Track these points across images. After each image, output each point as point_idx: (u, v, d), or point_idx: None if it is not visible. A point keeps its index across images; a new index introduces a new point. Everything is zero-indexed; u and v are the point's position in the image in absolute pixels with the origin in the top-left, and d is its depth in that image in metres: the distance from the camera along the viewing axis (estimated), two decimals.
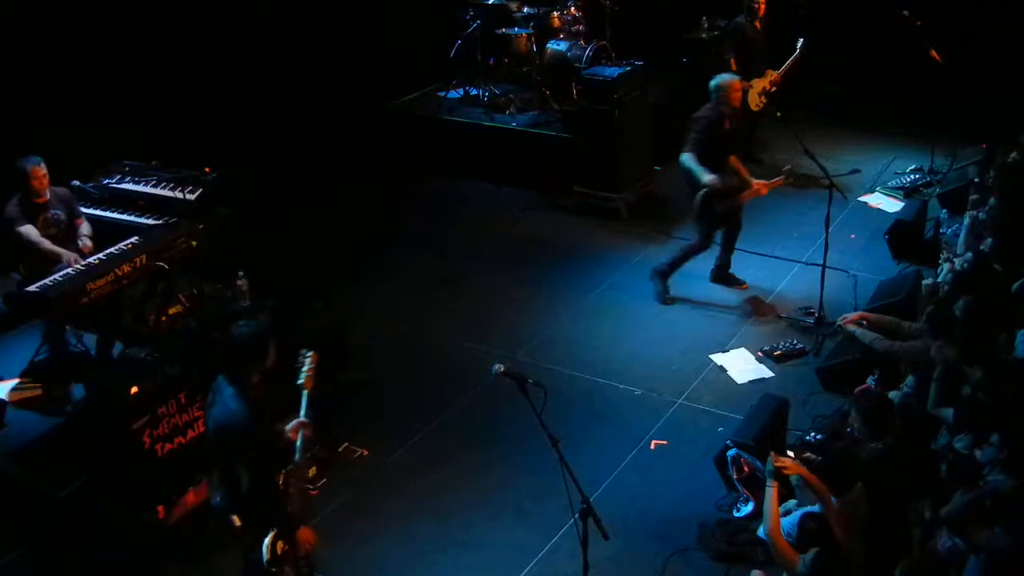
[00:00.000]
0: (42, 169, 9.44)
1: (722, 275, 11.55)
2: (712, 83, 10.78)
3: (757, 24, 13.72)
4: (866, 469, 7.29)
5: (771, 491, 7.18)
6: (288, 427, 6.83)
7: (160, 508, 8.38)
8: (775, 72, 13.54)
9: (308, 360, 7.00)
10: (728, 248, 11.44)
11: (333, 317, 10.33)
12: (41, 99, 11.55)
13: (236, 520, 6.56)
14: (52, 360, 9.63)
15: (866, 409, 7.60)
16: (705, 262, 11.48)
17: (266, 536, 6.51)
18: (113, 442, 8.37)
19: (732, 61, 13.65)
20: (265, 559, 6.48)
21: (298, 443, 6.79)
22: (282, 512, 6.59)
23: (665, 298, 11.34)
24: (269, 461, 6.56)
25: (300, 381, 6.91)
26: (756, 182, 10.99)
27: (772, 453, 7.44)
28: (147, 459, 8.32)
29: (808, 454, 8.38)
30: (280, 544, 6.56)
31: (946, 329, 8.34)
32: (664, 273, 11.41)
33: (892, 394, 8.42)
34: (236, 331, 6.65)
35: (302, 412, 6.85)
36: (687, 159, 10.74)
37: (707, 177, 10.50)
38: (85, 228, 9.84)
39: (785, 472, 7.38)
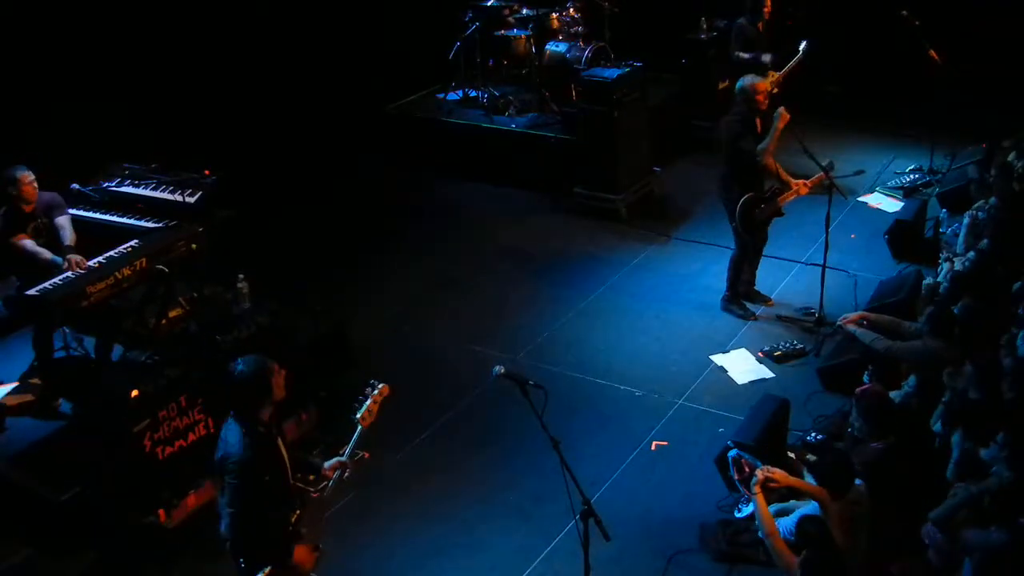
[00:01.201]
0: (30, 177, 9.38)
1: (748, 291, 11.38)
2: (738, 85, 10.68)
3: (760, 26, 13.70)
4: (868, 469, 7.30)
5: (757, 497, 7.22)
6: (327, 465, 6.79)
7: (161, 512, 8.38)
8: (777, 73, 13.52)
9: (375, 393, 6.83)
10: (752, 262, 11.31)
11: (333, 320, 10.33)
12: (39, 102, 11.54)
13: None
14: (40, 366, 9.57)
15: (867, 408, 7.62)
16: (706, 265, 11.43)
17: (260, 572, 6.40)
18: (114, 446, 8.37)
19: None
20: None
21: (331, 483, 6.77)
22: (282, 552, 6.50)
23: (747, 315, 11.18)
24: (271, 502, 6.46)
25: (357, 415, 6.77)
26: (795, 182, 10.85)
27: (760, 467, 7.47)
28: (148, 463, 8.32)
29: (809, 455, 8.39)
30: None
31: (946, 329, 8.34)
32: (730, 298, 11.31)
33: (893, 394, 8.41)
34: (235, 372, 6.44)
35: (348, 449, 6.78)
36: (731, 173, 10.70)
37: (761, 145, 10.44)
38: (64, 220, 9.73)
39: (772, 485, 7.41)
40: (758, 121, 10.65)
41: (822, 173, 10.60)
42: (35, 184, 9.38)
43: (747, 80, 10.61)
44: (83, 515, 8.26)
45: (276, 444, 6.54)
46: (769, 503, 7.44)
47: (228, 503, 6.37)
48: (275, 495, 6.47)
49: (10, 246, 9.30)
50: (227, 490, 6.37)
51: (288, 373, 6.70)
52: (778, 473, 7.42)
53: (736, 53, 13.77)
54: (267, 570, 6.39)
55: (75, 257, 9.22)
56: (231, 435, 6.37)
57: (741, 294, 11.34)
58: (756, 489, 7.29)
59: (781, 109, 10.47)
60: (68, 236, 9.47)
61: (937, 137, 13.98)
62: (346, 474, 6.78)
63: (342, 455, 6.79)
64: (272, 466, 6.45)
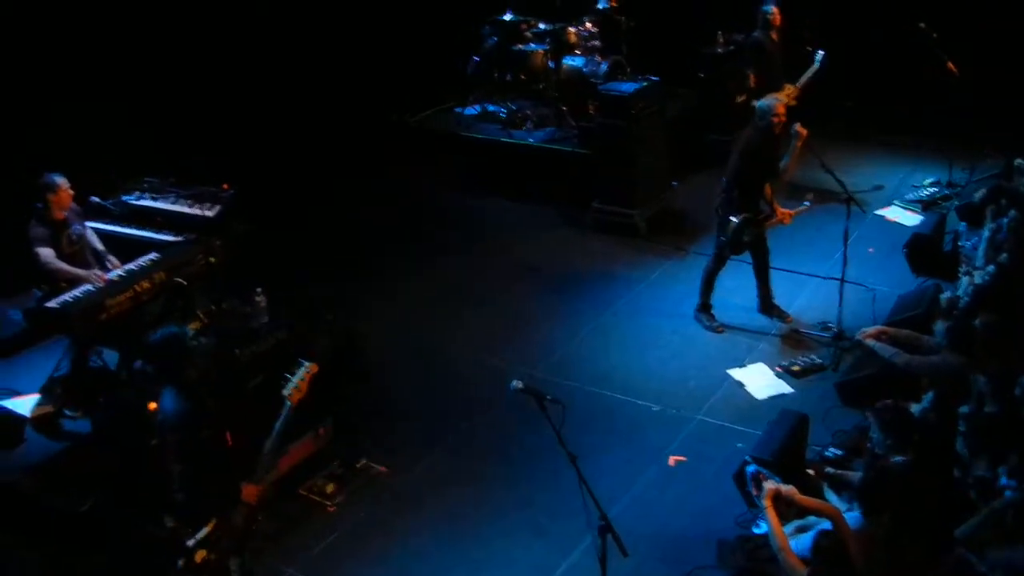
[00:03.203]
0: (67, 184, 9.52)
1: (767, 306, 11.35)
2: (758, 106, 10.67)
3: (774, 35, 13.68)
4: (890, 484, 7.25)
5: (767, 511, 7.18)
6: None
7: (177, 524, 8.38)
8: (794, 86, 13.51)
9: (303, 371, 6.99)
10: (763, 278, 11.27)
11: (349, 332, 10.34)
12: (60, 115, 11.60)
13: (169, 522, 6.76)
14: (72, 379, 9.64)
15: (888, 423, 7.57)
16: (723, 279, 11.39)
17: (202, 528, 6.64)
18: (131, 459, 8.38)
19: (752, 77, 13.66)
20: (191, 542, 6.56)
21: (263, 453, 6.90)
22: (228, 501, 6.75)
23: (715, 327, 11.23)
24: (211, 458, 6.71)
25: (286, 392, 6.91)
26: (781, 210, 10.92)
27: (777, 482, 7.44)
28: (167, 476, 8.32)
29: (829, 469, 8.35)
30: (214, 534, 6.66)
31: (966, 343, 8.30)
32: (702, 306, 11.34)
33: (912, 408, 8.37)
34: (148, 341, 6.99)
35: (277, 423, 6.86)
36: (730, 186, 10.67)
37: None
38: (88, 230, 9.91)
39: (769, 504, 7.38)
40: (773, 147, 10.65)
41: (807, 205, 10.66)
42: (71, 191, 9.52)
43: (768, 102, 10.60)
44: (100, 526, 8.27)
45: (210, 407, 6.84)
46: (788, 520, 7.40)
47: (175, 460, 6.65)
48: (214, 450, 6.74)
49: (36, 255, 9.37)
50: (171, 449, 6.67)
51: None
52: (786, 491, 7.37)
53: (745, 70, 13.78)
54: (211, 523, 6.63)
55: (94, 273, 9.31)
56: (166, 400, 6.75)
57: (762, 309, 11.35)
58: (766, 503, 7.24)
59: (797, 125, 10.48)
60: (99, 242, 9.66)
61: (955, 150, 13.94)
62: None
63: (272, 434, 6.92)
64: (209, 424, 6.76)
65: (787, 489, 7.29)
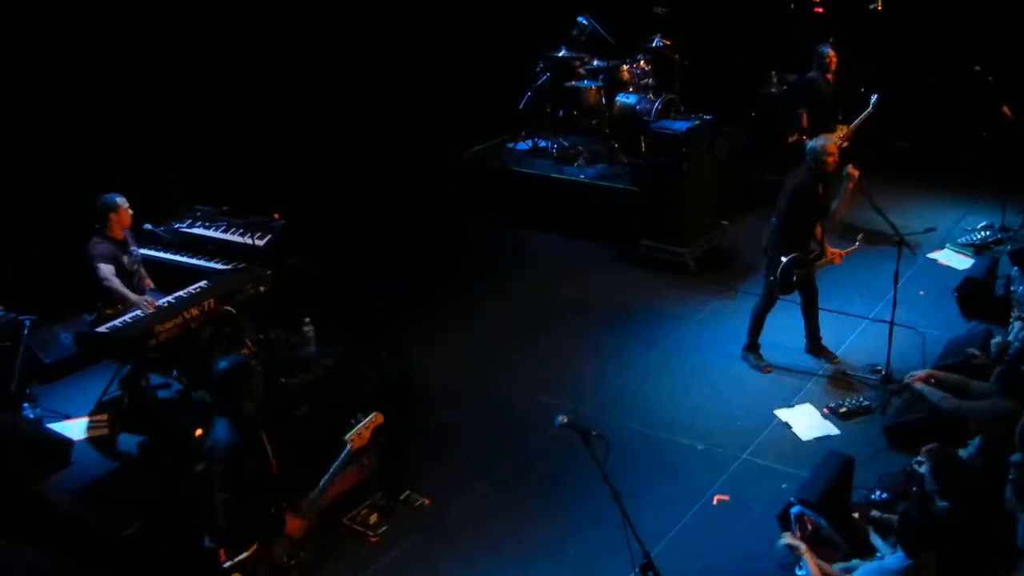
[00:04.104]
0: (127, 205, 9.68)
1: (814, 347, 11.31)
2: (808, 146, 10.63)
3: (829, 76, 13.68)
4: (939, 529, 7.19)
5: (806, 555, 7.17)
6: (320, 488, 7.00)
7: (222, 551, 8.40)
8: (847, 127, 13.48)
9: (368, 419, 7.14)
10: (811, 317, 11.24)
11: (397, 364, 10.37)
12: (115, 145, 11.74)
13: (222, 555, 6.74)
14: (130, 402, 9.72)
15: (938, 467, 7.49)
16: (772, 319, 11.34)
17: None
18: (176, 483, 8.44)
19: (805, 116, 13.65)
20: (227, 564, 6.66)
21: (313, 493, 6.96)
22: (271, 532, 6.79)
23: (763, 367, 11.19)
24: (257, 490, 6.72)
25: (347, 436, 7.04)
26: (831, 251, 10.91)
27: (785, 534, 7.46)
28: (210, 501, 8.37)
29: (874, 512, 8.28)
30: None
31: (1016, 389, 8.22)
32: (750, 346, 11.32)
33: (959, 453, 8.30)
34: (216, 369, 6.87)
35: (334, 465, 6.96)
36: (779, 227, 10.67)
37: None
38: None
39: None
40: (820, 188, 10.60)
41: (857, 245, 10.62)
42: (131, 212, 9.68)
43: (819, 142, 10.57)
44: (144, 551, 8.32)
45: (260, 439, 6.85)
46: (833, 562, 7.37)
47: (219, 488, 6.68)
48: (260, 483, 6.74)
49: (97, 269, 9.48)
50: (217, 478, 6.70)
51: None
52: (799, 549, 7.38)
53: (798, 109, 13.77)
54: (251, 548, 6.66)
55: (144, 299, 9.42)
56: (218, 428, 6.75)
57: (809, 349, 11.30)
58: (803, 549, 7.24)
59: (849, 167, 10.45)
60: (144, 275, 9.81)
61: (1009, 194, 13.84)
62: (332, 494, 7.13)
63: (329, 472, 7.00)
64: (257, 457, 6.76)
65: (802, 548, 7.30)
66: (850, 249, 10.91)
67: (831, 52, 13.66)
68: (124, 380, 9.70)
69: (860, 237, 10.89)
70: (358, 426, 7.06)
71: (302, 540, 6.93)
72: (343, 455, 6.98)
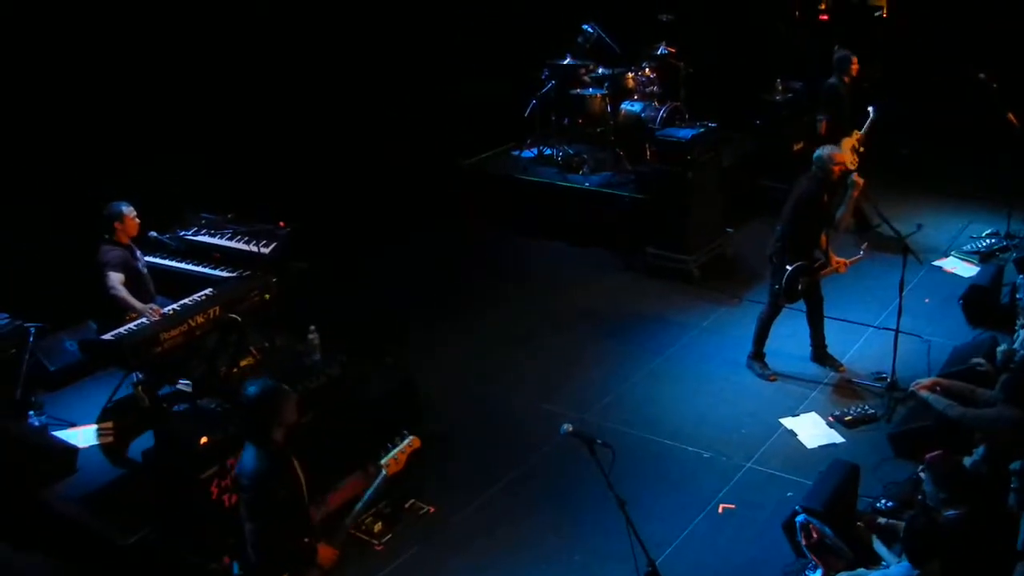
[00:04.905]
0: (133, 213, 9.71)
1: (820, 355, 11.32)
2: (816, 155, 10.64)
3: (847, 80, 13.62)
4: (944, 537, 7.18)
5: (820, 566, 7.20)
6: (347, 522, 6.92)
7: (226, 559, 8.41)
8: (859, 132, 13.44)
9: (404, 444, 7.01)
10: (816, 325, 11.24)
11: (402, 372, 10.36)
12: (120, 152, 11.75)
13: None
14: (152, 412, 9.70)
15: (941, 475, 7.49)
16: (777, 327, 11.33)
17: None
18: (181, 491, 8.44)
19: (824, 123, 13.61)
20: None
21: (346, 520, 6.88)
22: (302, 561, 6.62)
23: (768, 375, 11.18)
24: (286, 518, 6.55)
25: (383, 461, 6.94)
26: (836, 259, 10.92)
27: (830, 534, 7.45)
28: (214, 509, 8.37)
29: (880, 519, 8.28)
30: None
31: (1022, 396, 8.21)
32: (755, 354, 11.31)
33: (964, 461, 8.29)
34: (245, 394, 6.62)
35: (369, 491, 6.89)
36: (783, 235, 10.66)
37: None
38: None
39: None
40: (825, 196, 10.62)
41: (862, 254, 10.60)
42: (138, 220, 9.71)
43: (826, 150, 10.57)
44: (148, 560, 8.32)
45: (291, 464, 6.63)
46: (837, 572, 7.36)
47: (247, 518, 6.55)
48: (290, 511, 6.55)
49: (107, 277, 9.50)
50: (244, 507, 6.58)
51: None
52: None
53: (818, 116, 13.74)
54: None
55: (149, 307, 9.42)
56: (246, 455, 6.57)
57: (815, 358, 11.29)
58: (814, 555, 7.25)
59: (855, 175, 10.44)
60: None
61: (1014, 202, 13.83)
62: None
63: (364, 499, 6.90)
64: (287, 484, 6.55)
65: None
66: (855, 258, 10.92)
67: (855, 58, 13.64)
68: (140, 385, 9.67)
69: (865, 246, 10.88)
70: (394, 451, 6.95)
71: (331, 570, 6.81)
72: (378, 480, 6.88)
